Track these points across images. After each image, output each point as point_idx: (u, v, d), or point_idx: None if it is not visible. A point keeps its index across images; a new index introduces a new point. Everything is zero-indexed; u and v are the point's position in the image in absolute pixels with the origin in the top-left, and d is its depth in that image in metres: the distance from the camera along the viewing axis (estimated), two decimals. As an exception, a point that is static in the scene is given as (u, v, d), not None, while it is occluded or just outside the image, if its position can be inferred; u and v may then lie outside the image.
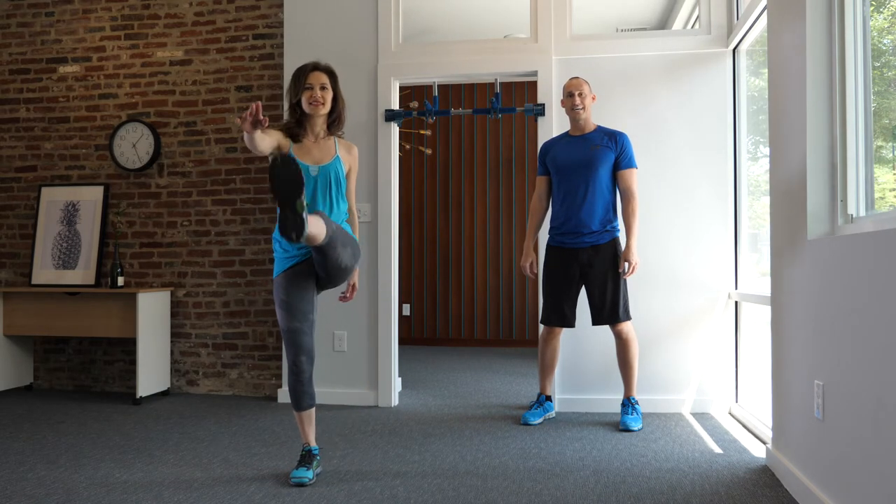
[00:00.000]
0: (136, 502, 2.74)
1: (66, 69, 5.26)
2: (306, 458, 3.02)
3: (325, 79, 3.01)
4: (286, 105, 3.08)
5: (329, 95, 3.01)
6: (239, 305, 4.96)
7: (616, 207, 4.03)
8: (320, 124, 3.04)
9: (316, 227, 2.65)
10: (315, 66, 3.02)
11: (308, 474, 2.94)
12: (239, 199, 4.98)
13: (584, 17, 5.22)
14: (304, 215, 2.54)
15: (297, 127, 3.03)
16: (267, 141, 2.83)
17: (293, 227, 2.53)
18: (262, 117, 2.58)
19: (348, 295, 3.23)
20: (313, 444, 3.07)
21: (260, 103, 2.59)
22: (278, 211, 2.58)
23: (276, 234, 3.02)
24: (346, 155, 3.08)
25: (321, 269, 2.93)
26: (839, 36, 2.61)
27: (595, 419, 4.13)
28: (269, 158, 2.57)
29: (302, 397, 3.02)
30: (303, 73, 3.00)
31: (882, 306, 2.01)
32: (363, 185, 4.58)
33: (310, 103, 2.98)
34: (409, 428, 3.94)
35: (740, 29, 4.03)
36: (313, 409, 3.07)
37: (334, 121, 3.07)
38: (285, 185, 2.53)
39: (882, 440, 2.02)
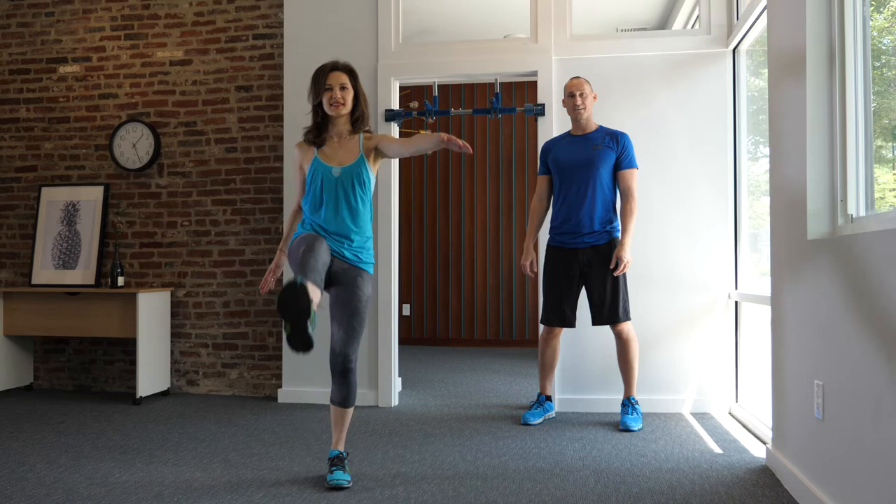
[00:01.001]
0: (136, 502, 2.74)
1: (66, 69, 5.26)
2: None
3: (344, 78, 2.97)
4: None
5: (350, 95, 2.98)
6: (239, 305, 4.96)
7: (616, 207, 4.03)
8: (343, 124, 3.01)
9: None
10: (334, 66, 2.99)
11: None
12: (239, 199, 4.98)
13: (584, 17, 5.22)
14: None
15: (318, 132, 3.01)
16: (299, 174, 3.04)
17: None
18: (278, 278, 2.79)
19: (462, 150, 2.87)
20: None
21: (269, 279, 2.96)
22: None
23: (306, 224, 3.01)
24: (369, 145, 3.02)
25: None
26: (839, 36, 2.61)
27: (595, 419, 4.13)
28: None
29: (311, 270, 2.66)
30: (322, 74, 2.97)
31: (882, 306, 2.01)
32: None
33: (330, 105, 2.96)
34: (409, 428, 3.94)
35: (740, 29, 4.03)
36: (319, 289, 2.68)
37: (357, 118, 3.03)
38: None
39: (882, 440, 2.02)
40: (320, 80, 2.97)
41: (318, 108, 3.01)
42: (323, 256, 2.74)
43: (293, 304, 2.52)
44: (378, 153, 3.04)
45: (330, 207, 2.94)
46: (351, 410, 3.04)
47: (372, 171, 3.02)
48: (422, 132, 3.16)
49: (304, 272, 2.65)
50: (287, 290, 2.54)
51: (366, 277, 3.00)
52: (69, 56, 5.25)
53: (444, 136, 2.88)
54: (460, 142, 2.84)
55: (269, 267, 3.07)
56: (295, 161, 3.08)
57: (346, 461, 3.00)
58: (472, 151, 2.85)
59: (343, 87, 2.97)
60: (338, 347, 2.96)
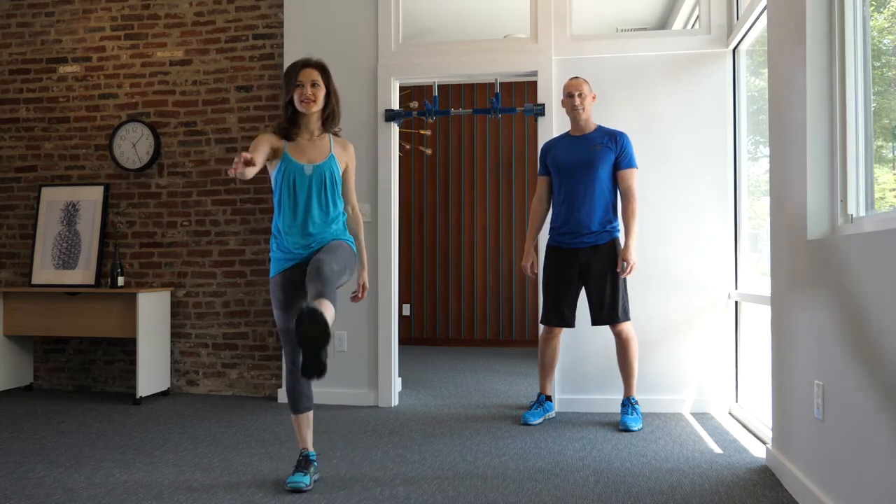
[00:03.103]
0: (135, 502, 2.74)
1: (66, 69, 5.26)
2: (303, 463, 2.94)
3: (316, 75, 2.93)
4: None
5: (321, 92, 2.94)
6: (239, 305, 4.96)
7: (616, 208, 4.03)
8: (314, 121, 2.98)
9: (330, 316, 2.57)
10: (305, 63, 2.95)
11: (305, 479, 2.87)
12: (239, 199, 4.98)
13: (584, 17, 5.22)
14: (326, 360, 2.51)
15: (290, 126, 2.96)
16: (260, 154, 2.82)
17: (316, 372, 2.51)
18: (249, 158, 2.57)
19: (359, 294, 3.16)
20: (311, 448, 3.01)
21: (245, 155, 2.57)
22: (302, 357, 2.52)
23: (276, 228, 2.97)
24: (341, 153, 3.02)
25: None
26: (839, 36, 2.61)
27: (595, 419, 4.13)
28: (298, 312, 2.49)
29: (300, 399, 2.96)
30: (294, 71, 2.94)
31: (882, 306, 2.01)
32: (363, 186, 4.58)
33: (301, 101, 2.92)
34: (409, 428, 3.94)
35: (740, 29, 4.03)
36: (311, 413, 3.00)
37: (328, 117, 3.00)
38: (312, 340, 2.48)
39: (882, 440, 2.02)
40: (292, 76, 2.93)
41: (288, 105, 2.97)
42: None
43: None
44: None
45: (301, 208, 2.90)
46: (329, 306, 2.63)
47: (342, 169, 3.01)
48: (360, 225, 3.17)
49: (295, 406, 2.97)
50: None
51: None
52: (69, 56, 5.25)
53: (364, 280, 3.17)
54: (361, 295, 3.15)
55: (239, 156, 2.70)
56: (266, 139, 2.91)
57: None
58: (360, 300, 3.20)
59: (314, 84, 2.92)
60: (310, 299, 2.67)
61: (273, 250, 3.00)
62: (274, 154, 2.93)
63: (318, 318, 2.46)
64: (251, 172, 2.67)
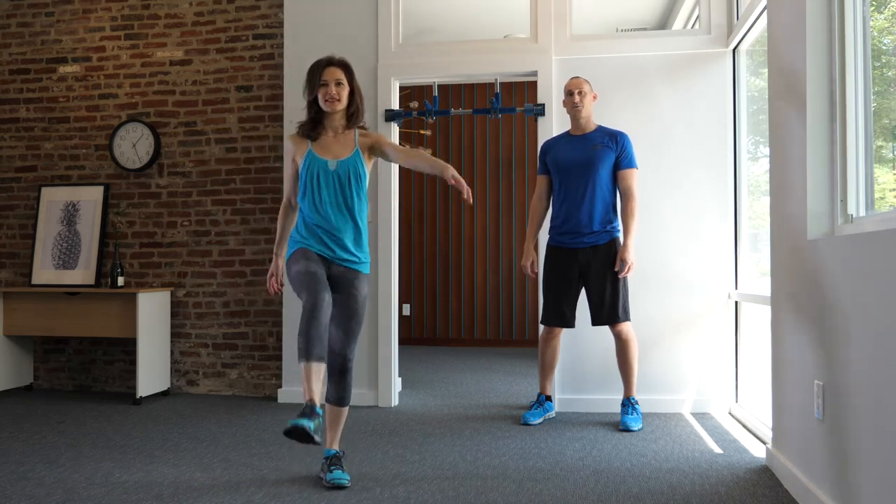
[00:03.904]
0: (136, 502, 2.74)
1: (66, 69, 5.26)
2: (307, 411, 2.59)
3: (340, 74, 2.94)
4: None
5: (345, 91, 2.95)
6: (239, 305, 4.96)
7: (616, 208, 4.03)
8: (338, 119, 2.99)
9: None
10: (329, 62, 2.96)
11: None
12: (239, 199, 4.98)
13: (584, 17, 5.22)
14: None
15: (313, 126, 2.98)
16: (290, 168, 3.01)
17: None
18: (280, 282, 2.99)
19: (462, 192, 2.89)
20: (318, 402, 2.65)
21: (274, 283, 3.03)
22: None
23: (300, 221, 2.97)
24: (365, 142, 3.00)
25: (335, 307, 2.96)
26: (839, 36, 2.61)
27: (595, 419, 4.13)
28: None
29: (313, 343, 2.66)
30: (317, 70, 2.95)
31: (882, 306, 2.01)
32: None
33: (325, 100, 2.93)
34: (409, 428, 3.94)
35: (740, 29, 4.03)
36: (323, 365, 2.71)
37: (353, 114, 3.01)
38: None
39: (882, 440, 2.02)
40: (316, 75, 2.94)
41: (313, 104, 2.98)
42: (325, 314, 2.73)
43: (299, 438, 2.57)
44: (374, 151, 3.02)
45: (327, 202, 2.91)
46: (346, 409, 3.05)
47: (367, 166, 3.00)
48: (422, 151, 3.15)
49: (307, 349, 2.66)
50: (293, 432, 2.56)
51: (362, 278, 2.99)
52: (69, 56, 5.25)
53: (453, 172, 2.91)
54: (466, 187, 2.87)
55: (269, 270, 3.09)
56: (288, 153, 3.03)
57: (342, 460, 3.00)
58: (472, 202, 2.97)
59: (339, 83, 2.93)
60: (336, 347, 2.96)
61: (293, 237, 2.98)
62: (298, 154, 2.98)
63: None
64: (290, 174, 3.02)
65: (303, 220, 2.97)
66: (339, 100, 2.94)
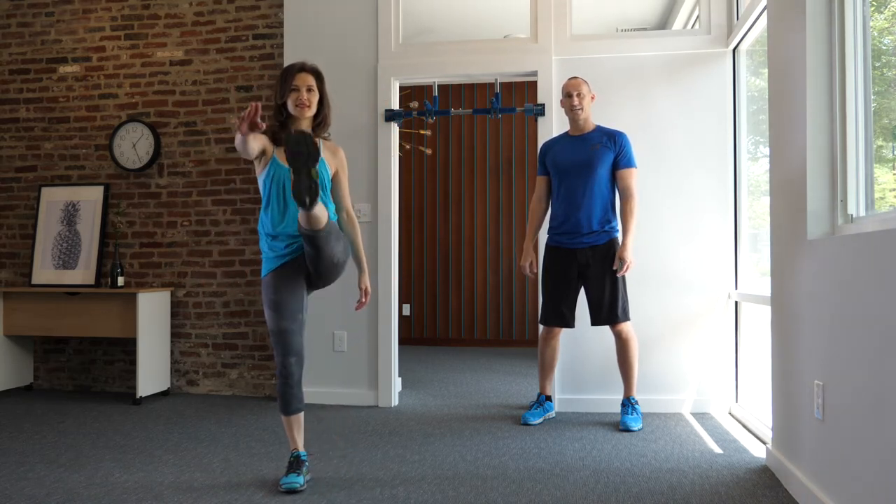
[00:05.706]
0: (135, 502, 2.74)
1: (66, 69, 5.26)
2: (295, 464, 2.92)
3: (311, 80, 2.95)
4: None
5: (315, 98, 2.95)
6: (239, 305, 4.96)
7: (615, 208, 4.03)
8: (305, 126, 2.98)
9: (321, 211, 2.67)
10: (302, 67, 2.96)
11: (299, 479, 2.86)
12: (239, 199, 4.98)
13: (584, 17, 5.22)
14: (317, 178, 2.54)
15: (281, 130, 2.95)
16: (255, 145, 2.78)
17: (307, 191, 2.53)
18: (258, 121, 2.57)
19: (363, 300, 3.14)
20: (301, 449, 2.99)
21: (259, 104, 2.55)
22: (292, 177, 2.57)
23: (263, 230, 2.94)
24: (330, 158, 3.01)
25: (313, 264, 2.86)
26: (839, 36, 2.61)
27: (595, 419, 4.13)
28: (285, 136, 2.61)
29: (290, 401, 2.93)
30: (289, 74, 2.94)
31: (882, 306, 2.01)
32: (363, 186, 4.58)
33: (296, 105, 2.92)
34: (409, 428, 3.94)
35: (740, 29, 4.03)
36: (301, 414, 2.98)
37: (319, 123, 3.01)
38: (301, 153, 2.53)
39: (882, 440, 2.02)
40: (287, 79, 2.94)
41: (281, 108, 2.98)
42: (297, 366, 2.93)
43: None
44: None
45: (291, 211, 2.89)
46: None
47: (331, 173, 3.01)
48: (358, 230, 3.18)
49: (286, 407, 2.95)
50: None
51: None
52: (69, 56, 5.25)
53: (366, 282, 3.15)
54: (365, 302, 3.13)
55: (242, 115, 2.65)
56: (260, 137, 2.85)
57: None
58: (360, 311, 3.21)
59: (310, 89, 2.93)
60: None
61: (264, 250, 2.99)
62: (263, 153, 2.91)
63: (307, 136, 2.54)
64: (253, 147, 2.74)
65: (267, 233, 2.93)
66: (309, 106, 2.93)
